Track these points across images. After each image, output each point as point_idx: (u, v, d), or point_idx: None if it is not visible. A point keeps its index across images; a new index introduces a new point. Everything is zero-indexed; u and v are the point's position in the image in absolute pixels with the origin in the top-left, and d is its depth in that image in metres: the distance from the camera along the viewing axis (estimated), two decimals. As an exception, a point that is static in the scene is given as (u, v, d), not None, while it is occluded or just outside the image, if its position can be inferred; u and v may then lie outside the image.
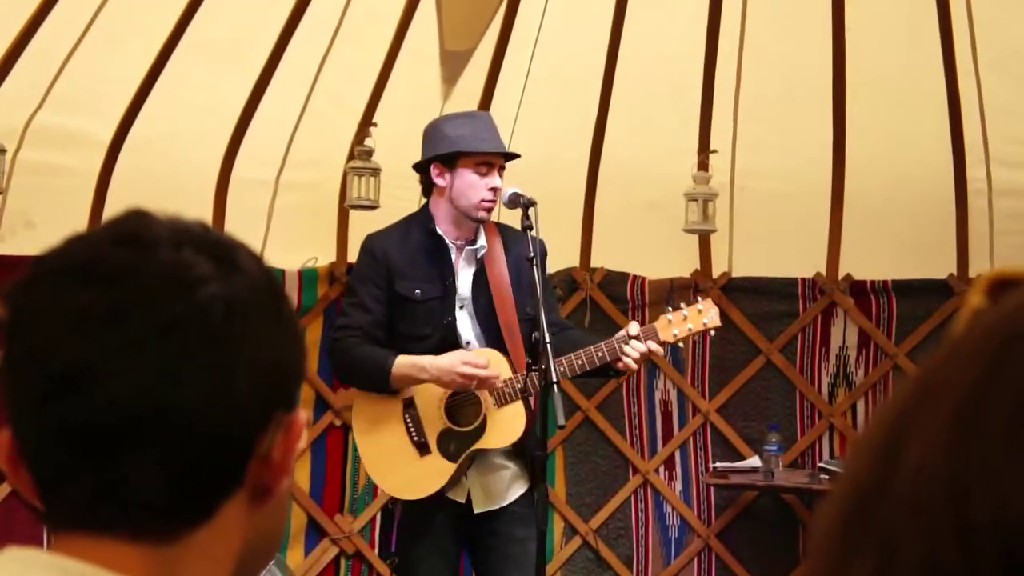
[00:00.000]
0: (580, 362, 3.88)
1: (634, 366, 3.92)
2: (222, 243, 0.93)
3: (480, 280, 3.97)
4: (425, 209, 4.05)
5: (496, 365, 3.90)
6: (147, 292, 0.88)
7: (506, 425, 3.90)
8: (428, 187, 4.01)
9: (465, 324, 3.98)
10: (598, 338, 3.99)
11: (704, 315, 4.04)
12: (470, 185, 3.90)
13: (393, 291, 3.94)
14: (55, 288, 0.88)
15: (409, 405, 3.96)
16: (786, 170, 5.68)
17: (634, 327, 3.94)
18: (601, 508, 5.69)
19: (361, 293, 3.98)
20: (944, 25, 5.18)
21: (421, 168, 4.02)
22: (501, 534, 3.93)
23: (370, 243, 4.06)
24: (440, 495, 3.93)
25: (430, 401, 3.95)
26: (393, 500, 4.09)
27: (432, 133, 4.01)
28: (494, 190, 3.90)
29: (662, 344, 3.99)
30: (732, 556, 5.68)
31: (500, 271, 3.97)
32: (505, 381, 3.89)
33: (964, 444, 0.53)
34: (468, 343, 3.96)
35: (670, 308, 4.07)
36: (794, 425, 5.75)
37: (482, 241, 3.97)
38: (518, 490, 3.99)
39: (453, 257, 3.97)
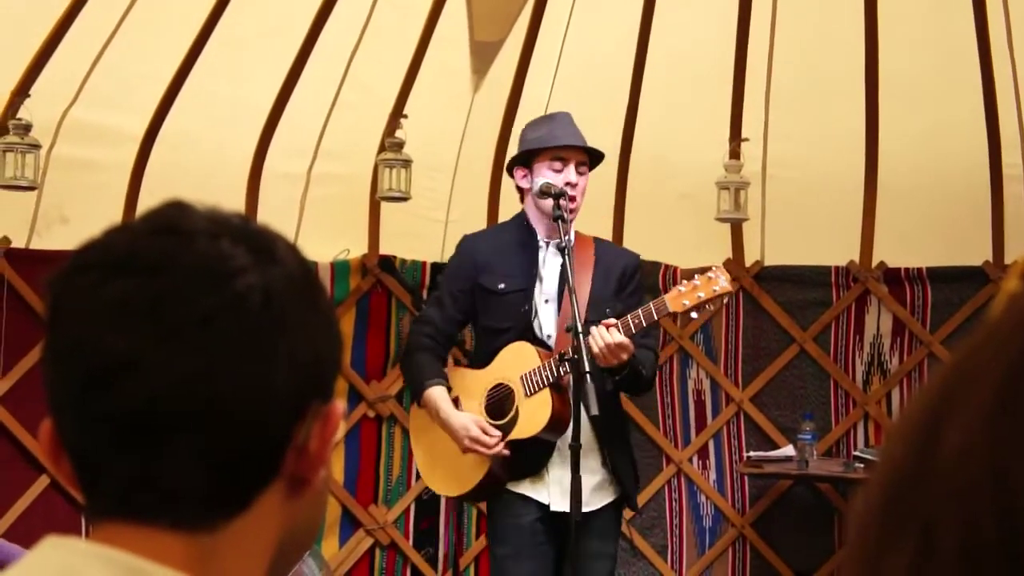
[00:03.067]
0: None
1: (598, 354, 3.71)
2: (260, 234, 0.94)
3: (563, 277, 3.95)
4: (523, 211, 4.12)
5: (523, 360, 3.92)
6: (185, 283, 0.88)
7: (533, 414, 3.91)
8: (522, 192, 4.09)
9: (548, 318, 3.99)
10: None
11: (715, 282, 3.85)
12: (545, 180, 3.94)
13: (477, 284, 4.02)
14: (95, 279, 0.89)
15: (455, 403, 4.02)
16: (818, 158, 5.65)
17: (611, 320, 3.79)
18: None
19: (442, 289, 4.19)
20: (979, 9, 5.14)
21: (511, 174, 4.13)
22: (579, 542, 3.76)
23: (461, 240, 4.20)
24: (523, 496, 3.94)
25: (473, 397, 4.01)
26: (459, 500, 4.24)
27: (518, 141, 4.13)
28: (570, 185, 3.91)
29: (676, 315, 3.89)
30: (767, 545, 5.66)
31: (579, 276, 3.92)
32: (534, 369, 3.90)
33: (1004, 426, 0.53)
34: (549, 336, 3.97)
35: (685, 280, 3.93)
36: (828, 414, 5.72)
37: (570, 238, 3.91)
38: (602, 499, 3.97)
39: (542, 252, 4.01)
